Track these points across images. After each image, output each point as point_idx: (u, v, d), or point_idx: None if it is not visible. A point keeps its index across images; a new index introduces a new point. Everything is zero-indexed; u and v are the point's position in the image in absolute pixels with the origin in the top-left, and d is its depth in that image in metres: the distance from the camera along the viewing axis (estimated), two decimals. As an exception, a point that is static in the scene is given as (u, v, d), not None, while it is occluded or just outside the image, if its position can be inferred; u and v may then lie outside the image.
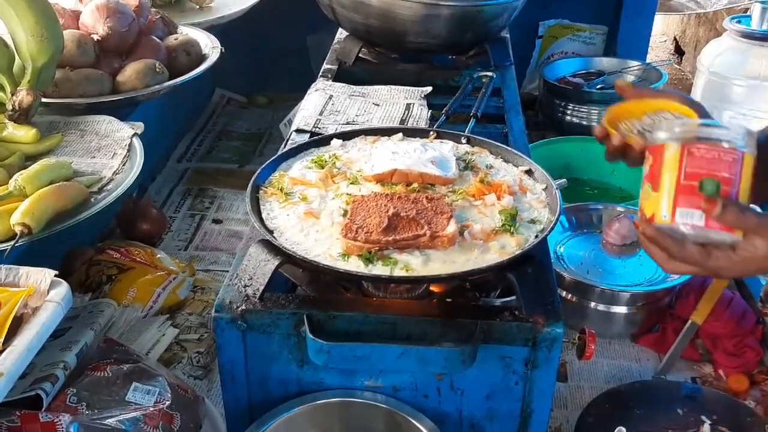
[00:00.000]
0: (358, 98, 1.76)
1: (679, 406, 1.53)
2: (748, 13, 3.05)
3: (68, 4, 2.09)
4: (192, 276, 1.97)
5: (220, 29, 2.48)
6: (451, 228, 1.12)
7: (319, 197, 1.24)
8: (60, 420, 1.18)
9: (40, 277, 1.23)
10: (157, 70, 1.94)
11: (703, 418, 1.49)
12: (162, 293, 1.82)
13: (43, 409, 1.21)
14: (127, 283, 1.79)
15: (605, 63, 2.91)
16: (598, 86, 2.74)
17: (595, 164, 2.38)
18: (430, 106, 1.73)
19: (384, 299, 1.17)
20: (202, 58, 2.12)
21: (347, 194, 1.25)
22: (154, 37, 2.07)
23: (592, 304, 1.73)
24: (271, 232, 1.16)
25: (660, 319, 1.78)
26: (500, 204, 1.22)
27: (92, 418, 1.23)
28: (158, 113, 2.48)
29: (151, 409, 1.29)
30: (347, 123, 1.63)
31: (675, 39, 5.24)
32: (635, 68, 2.84)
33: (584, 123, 2.60)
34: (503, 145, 1.43)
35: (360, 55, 2.03)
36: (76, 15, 2.02)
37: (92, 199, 1.51)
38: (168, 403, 1.31)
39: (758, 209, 0.99)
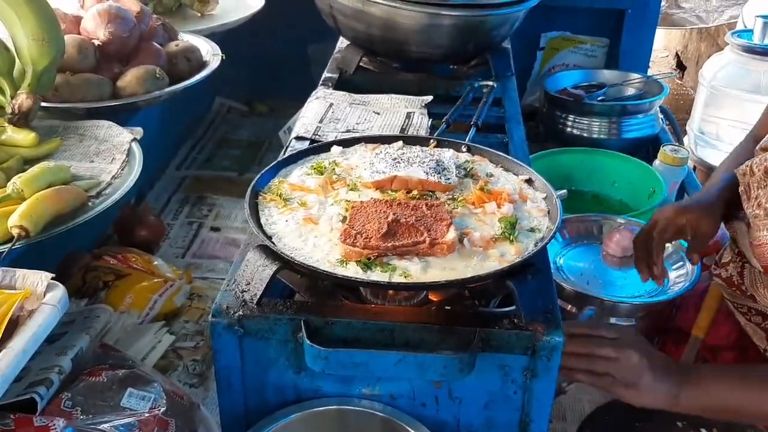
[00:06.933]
0: (358, 106, 1.76)
1: (678, 419, 1.52)
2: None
3: (70, 9, 2.09)
4: (189, 283, 1.95)
5: (222, 37, 2.48)
6: (451, 235, 1.11)
7: (318, 203, 1.24)
8: (54, 424, 1.16)
9: (37, 279, 1.22)
10: (158, 75, 1.94)
11: (703, 430, 1.48)
12: (159, 300, 1.81)
13: (38, 413, 1.20)
14: (123, 289, 1.78)
15: (607, 75, 2.90)
16: (599, 98, 2.73)
17: (596, 176, 2.38)
18: (430, 115, 1.73)
19: (382, 306, 1.16)
20: (203, 64, 2.12)
21: (346, 200, 1.24)
22: (155, 43, 2.07)
23: (592, 316, 1.73)
24: (269, 237, 1.15)
25: (660, 330, 1.77)
26: (500, 212, 1.22)
27: (87, 423, 1.22)
28: (158, 120, 2.48)
29: (146, 415, 1.28)
30: (347, 131, 1.63)
31: (677, 54, 5.26)
32: (637, 81, 2.83)
33: (585, 135, 2.59)
34: (504, 154, 1.43)
35: (361, 64, 2.02)
36: (77, 20, 2.02)
37: (90, 203, 1.50)
38: (163, 409, 1.30)
39: None
